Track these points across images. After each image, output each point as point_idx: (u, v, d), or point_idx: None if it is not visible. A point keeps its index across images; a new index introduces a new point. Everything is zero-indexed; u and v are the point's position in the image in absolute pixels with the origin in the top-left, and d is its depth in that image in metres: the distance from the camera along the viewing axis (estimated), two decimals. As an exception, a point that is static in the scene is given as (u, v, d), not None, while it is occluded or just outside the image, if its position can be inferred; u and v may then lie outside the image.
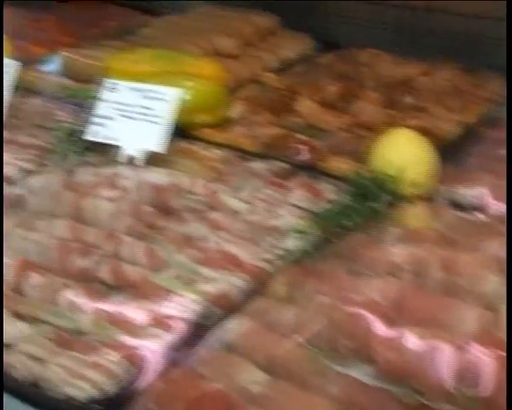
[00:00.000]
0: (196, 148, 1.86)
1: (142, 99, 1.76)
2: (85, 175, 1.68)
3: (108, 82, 1.81)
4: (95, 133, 1.77)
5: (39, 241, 1.45)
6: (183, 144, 1.84)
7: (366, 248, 1.37)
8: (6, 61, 1.88)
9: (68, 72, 2.10)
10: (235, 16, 2.49)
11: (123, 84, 1.79)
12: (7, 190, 1.67)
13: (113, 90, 1.79)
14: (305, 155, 1.80)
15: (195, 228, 1.52)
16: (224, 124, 1.97)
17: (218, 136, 1.92)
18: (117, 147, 1.74)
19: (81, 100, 1.88)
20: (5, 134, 1.88)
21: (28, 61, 2.10)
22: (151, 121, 1.74)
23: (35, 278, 1.35)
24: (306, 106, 2.05)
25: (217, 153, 1.83)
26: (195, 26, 2.43)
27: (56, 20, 2.47)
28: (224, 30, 2.37)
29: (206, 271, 1.40)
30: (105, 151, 1.76)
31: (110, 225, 1.52)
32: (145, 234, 1.50)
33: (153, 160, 1.72)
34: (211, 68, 1.99)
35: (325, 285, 1.29)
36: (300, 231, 1.49)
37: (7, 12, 2.43)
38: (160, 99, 1.75)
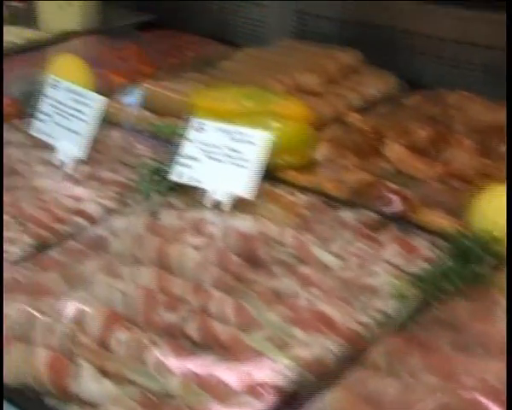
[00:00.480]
0: (280, 191, 1.78)
1: (230, 141, 1.69)
2: (170, 218, 1.62)
3: (195, 121, 1.74)
4: (179, 174, 1.71)
5: (124, 290, 1.39)
6: (267, 186, 1.76)
7: (473, 320, 1.27)
8: (91, 95, 1.84)
9: (150, 105, 2.05)
10: (317, 51, 2.41)
11: (210, 125, 1.72)
12: (89, 229, 1.62)
13: (199, 129, 1.73)
14: (397, 206, 1.70)
15: (285, 283, 1.44)
16: (308, 166, 1.89)
17: (303, 179, 1.85)
18: (202, 190, 1.68)
19: (165, 136, 1.83)
20: (86, 169, 1.84)
21: (108, 92, 2.06)
22: (238, 165, 1.67)
23: (122, 333, 1.28)
24: (395, 150, 1.96)
25: (302, 198, 1.75)
26: (277, 61, 2.36)
27: (136, 48, 2.44)
28: (306, 66, 2.29)
29: (298, 332, 1.32)
30: (189, 193, 1.70)
31: (196, 275, 1.45)
32: (233, 287, 1.42)
33: (239, 204, 1.65)
34: (298, 108, 1.92)
35: (430, 360, 1.20)
36: (398, 294, 1.40)
37: (89, 40, 2.42)
38: (249, 142, 1.68)
